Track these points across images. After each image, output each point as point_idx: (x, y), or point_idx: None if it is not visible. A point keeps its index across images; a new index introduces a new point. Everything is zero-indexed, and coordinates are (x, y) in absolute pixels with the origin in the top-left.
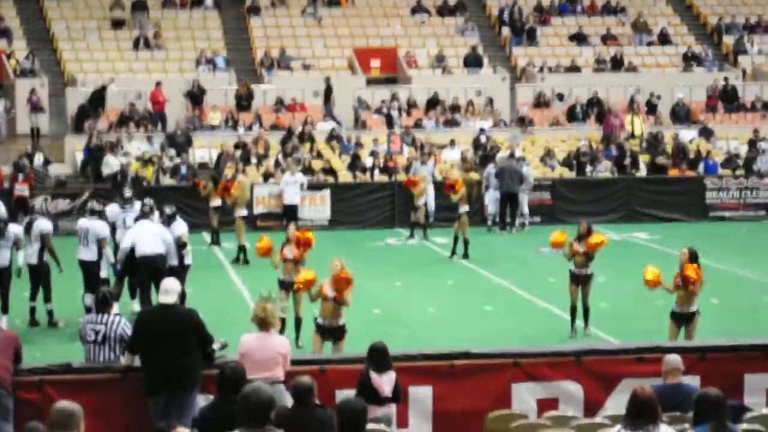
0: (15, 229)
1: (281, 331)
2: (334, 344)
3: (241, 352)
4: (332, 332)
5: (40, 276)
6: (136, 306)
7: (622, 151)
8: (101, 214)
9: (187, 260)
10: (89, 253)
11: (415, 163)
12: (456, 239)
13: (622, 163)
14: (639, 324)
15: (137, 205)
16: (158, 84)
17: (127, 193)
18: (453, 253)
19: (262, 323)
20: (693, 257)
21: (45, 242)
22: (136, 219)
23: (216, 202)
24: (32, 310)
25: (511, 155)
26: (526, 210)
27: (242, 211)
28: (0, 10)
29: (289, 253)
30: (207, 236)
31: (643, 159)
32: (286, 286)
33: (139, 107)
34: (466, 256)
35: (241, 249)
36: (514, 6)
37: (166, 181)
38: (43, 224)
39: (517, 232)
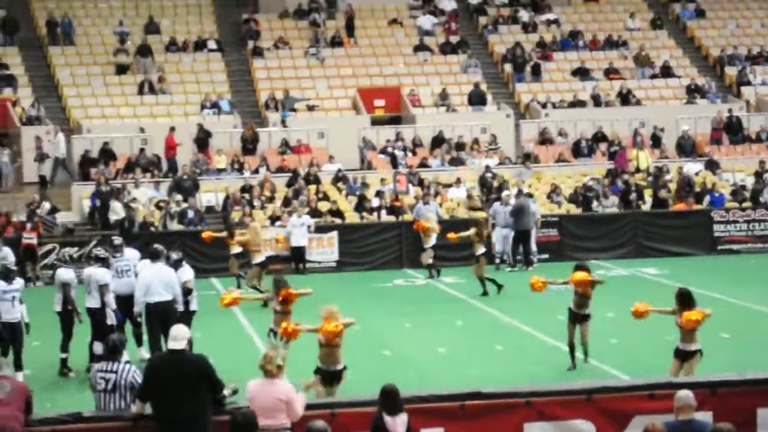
0: (19, 283)
1: None
2: (333, 388)
3: (247, 397)
4: (331, 376)
5: (64, 324)
6: (144, 353)
7: (627, 185)
8: (104, 261)
9: (193, 306)
10: (94, 301)
11: (418, 203)
12: (482, 280)
13: (628, 197)
14: (649, 360)
15: (128, 252)
16: (172, 129)
17: (117, 240)
18: (485, 293)
19: (263, 371)
20: (684, 300)
21: (65, 291)
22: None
23: (236, 249)
24: (63, 362)
25: (520, 192)
26: (534, 247)
27: (258, 258)
28: (5, 58)
29: (278, 305)
30: (216, 282)
31: (648, 193)
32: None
33: (146, 152)
34: (485, 294)
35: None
36: (517, 44)
37: (173, 226)
38: (64, 273)
39: (529, 269)
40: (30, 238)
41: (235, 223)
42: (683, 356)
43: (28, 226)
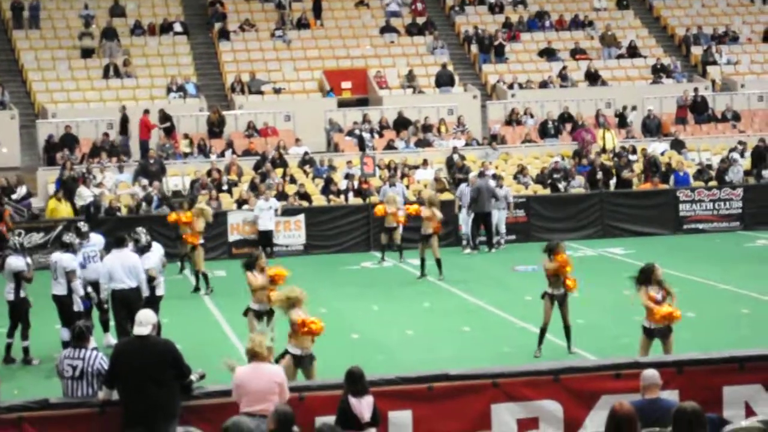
0: None
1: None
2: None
3: (235, 384)
4: (302, 361)
5: (17, 313)
6: (111, 339)
7: (593, 166)
8: (70, 247)
9: (159, 291)
10: (61, 288)
11: (384, 186)
12: (423, 260)
13: (594, 178)
14: (616, 340)
15: (93, 237)
16: (146, 112)
17: (84, 227)
18: (422, 274)
19: (252, 355)
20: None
21: (18, 279)
22: (106, 248)
23: (186, 230)
24: (8, 347)
25: (482, 173)
26: (503, 228)
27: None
28: None
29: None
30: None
31: (615, 173)
32: (259, 315)
33: (111, 136)
34: (441, 274)
35: (204, 277)
36: (477, 26)
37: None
38: (14, 261)
39: (493, 252)
40: None
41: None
42: (656, 333)
43: None
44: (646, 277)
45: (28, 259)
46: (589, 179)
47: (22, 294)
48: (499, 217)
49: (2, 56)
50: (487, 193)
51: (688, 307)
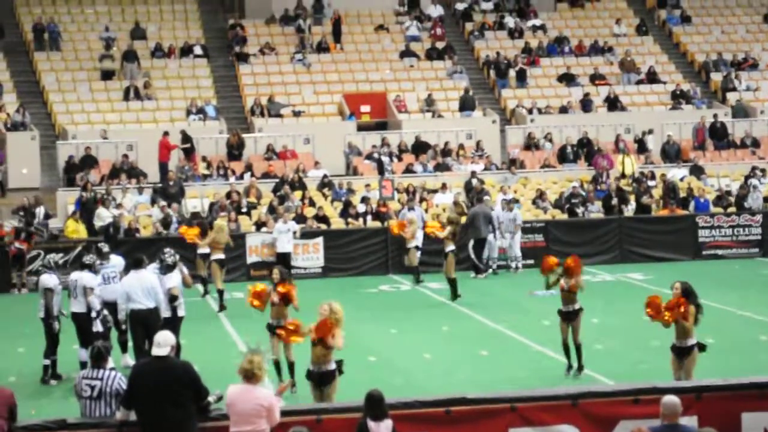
0: None
1: (278, 374)
2: (324, 390)
3: (226, 403)
4: (321, 378)
5: (46, 331)
6: (129, 360)
7: (608, 192)
8: (90, 267)
9: (180, 312)
10: (79, 306)
11: (403, 209)
12: (450, 282)
13: (609, 203)
14: (635, 365)
15: (113, 259)
16: (166, 133)
17: (104, 247)
18: (454, 295)
19: (247, 375)
20: (686, 293)
21: (46, 298)
22: (125, 269)
23: (204, 249)
24: (52, 365)
25: (479, 199)
26: (518, 252)
27: (219, 254)
28: None
29: (275, 297)
30: (201, 287)
31: (633, 199)
32: (272, 328)
33: (131, 158)
34: (455, 296)
35: (219, 294)
36: (499, 52)
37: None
38: (47, 279)
39: (488, 277)
40: (20, 247)
41: (207, 222)
42: (679, 353)
43: (22, 235)
44: (694, 295)
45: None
46: (604, 204)
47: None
48: (512, 240)
49: (23, 77)
50: (483, 218)
51: (707, 332)
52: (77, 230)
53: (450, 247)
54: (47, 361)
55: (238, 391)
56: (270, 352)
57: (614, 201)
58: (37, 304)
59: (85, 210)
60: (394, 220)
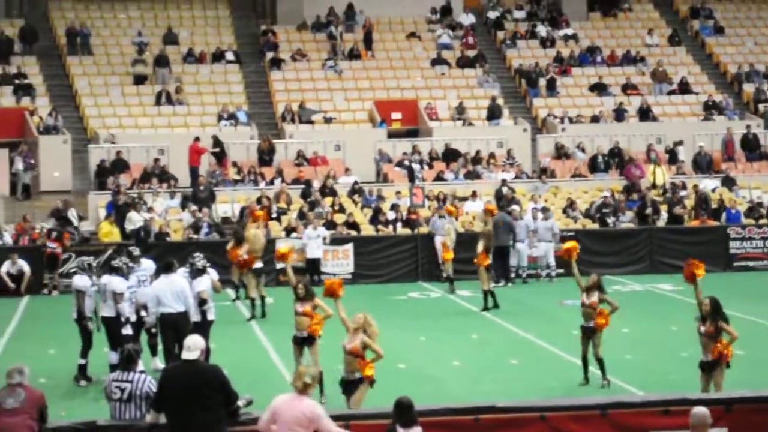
0: None
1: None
2: (350, 397)
3: (270, 407)
4: (347, 385)
5: (81, 332)
6: (158, 363)
7: (644, 201)
8: (120, 271)
9: (210, 316)
10: (109, 310)
11: (434, 217)
12: (485, 294)
13: (644, 213)
14: (664, 375)
15: (145, 262)
16: (197, 139)
17: (135, 251)
18: (486, 307)
19: (297, 387)
20: (715, 307)
21: (78, 299)
22: (156, 273)
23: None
24: (81, 367)
25: (500, 207)
26: (552, 261)
27: (256, 263)
28: (24, 68)
29: (300, 307)
30: (231, 292)
31: (665, 209)
32: (299, 341)
33: (162, 162)
34: (486, 308)
35: (252, 302)
36: (534, 62)
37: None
38: (79, 280)
39: (510, 286)
40: (53, 247)
41: (242, 232)
42: (707, 367)
43: (53, 234)
44: (721, 311)
45: (95, 279)
46: (638, 214)
47: (88, 314)
48: (547, 249)
49: (56, 81)
50: (504, 226)
51: (737, 345)
52: (111, 233)
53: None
54: (83, 361)
55: (286, 399)
56: (316, 365)
57: (649, 211)
58: (70, 305)
59: (119, 213)
60: (424, 227)
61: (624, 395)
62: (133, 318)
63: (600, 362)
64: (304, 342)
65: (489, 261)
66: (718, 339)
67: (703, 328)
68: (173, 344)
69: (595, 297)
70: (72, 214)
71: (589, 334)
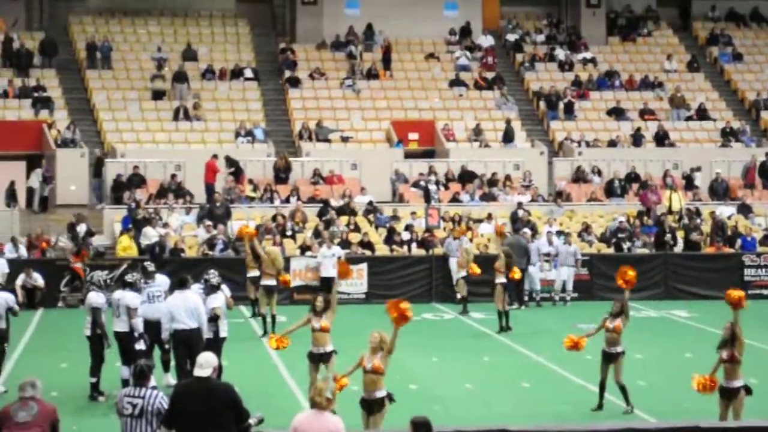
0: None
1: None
2: (371, 417)
3: (293, 427)
4: (371, 405)
5: (93, 348)
6: (170, 379)
7: (662, 227)
8: (133, 286)
9: (223, 333)
10: (122, 325)
11: (448, 238)
12: (499, 315)
13: (662, 239)
14: (678, 403)
15: (159, 278)
16: (215, 156)
17: (150, 266)
18: (501, 328)
19: (313, 403)
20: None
21: (95, 316)
22: (170, 290)
23: (254, 272)
24: (93, 385)
25: (517, 229)
26: (570, 286)
27: (268, 281)
28: (43, 80)
29: (316, 323)
30: (245, 310)
31: (681, 235)
32: (314, 358)
33: (178, 178)
34: (501, 329)
35: (263, 319)
36: (552, 86)
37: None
38: (94, 297)
39: (524, 309)
40: (77, 264)
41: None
42: (727, 394)
43: (74, 251)
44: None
45: (108, 296)
46: (656, 240)
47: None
48: (569, 274)
49: (75, 95)
50: (518, 250)
51: (751, 373)
52: (130, 246)
53: (500, 279)
54: (94, 379)
55: (308, 416)
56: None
57: (667, 236)
58: (82, 320)
59: (137, 228)
60: (439, 248)
61: (636, 421)
62: (141, 331)
63: (623, 389)
64: (320, 359)
65: (519, 275)
66: (739, 365)
67: (725, 354)
68: (185, 360)
69: (619, 321)
70: (81, 228)
71: (611, 359)
